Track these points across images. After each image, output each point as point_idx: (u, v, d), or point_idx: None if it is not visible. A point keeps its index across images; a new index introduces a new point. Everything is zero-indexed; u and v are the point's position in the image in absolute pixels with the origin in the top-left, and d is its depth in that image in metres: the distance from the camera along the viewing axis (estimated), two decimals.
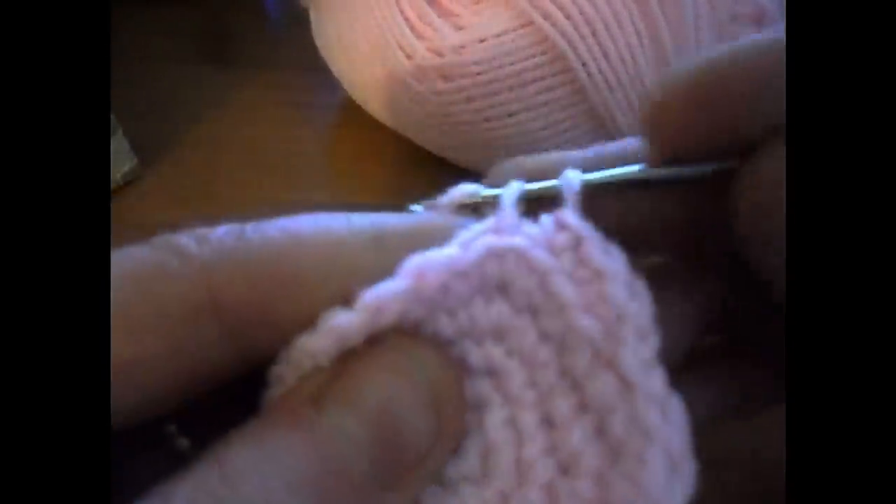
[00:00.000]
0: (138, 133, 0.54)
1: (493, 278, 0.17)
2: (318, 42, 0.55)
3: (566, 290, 0.16)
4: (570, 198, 0.17)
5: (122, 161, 0.53)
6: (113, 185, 0.53)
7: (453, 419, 0.17)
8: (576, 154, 0.20)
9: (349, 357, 0.17)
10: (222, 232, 0.18)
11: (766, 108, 0.18)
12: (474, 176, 0.54)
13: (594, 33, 0.43)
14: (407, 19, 0.47)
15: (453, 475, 0.17)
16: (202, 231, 0.18)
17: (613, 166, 0.18)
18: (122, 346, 0.17)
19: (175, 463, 0.16)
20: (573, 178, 0.17)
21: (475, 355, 0.17)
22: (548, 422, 0.16)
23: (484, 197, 0.18)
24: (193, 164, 0.56)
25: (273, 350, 0.18)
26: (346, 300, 0.17)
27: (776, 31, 0.20)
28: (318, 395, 0.16)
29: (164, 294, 0.17)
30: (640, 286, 0.17)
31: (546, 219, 0.17)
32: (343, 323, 0.16)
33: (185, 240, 0.18)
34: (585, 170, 0.18)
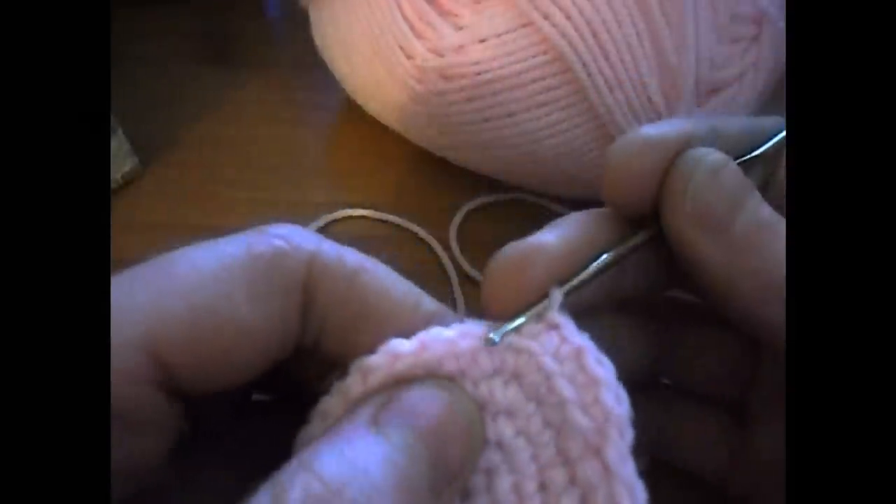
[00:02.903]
0: (138, 133, 0.54)
1: (511, 367, 0.22)
2: (318, 42, 0.55)
3: (568, 391, 0.21)
4: (556, 313, 0.22)
5: (122, 161, 0.53)
6: (113, 185, 0.53)
7: (479, 444, 0.21)
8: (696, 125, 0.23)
9: (398, 385, 0.20)
10: (319, 237, 0.23)
11: None
12: (474, 176, 0.54)
13: (594, 33, 0.43)
14: (407, 19, 0.47)
15: None
16: (301, 229, 0.23)
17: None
18: (246, 310, 0.20)
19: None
20: (556, 298, 0.22)
21: (490, 430, 0.21)
22: (544, 487, 0.21)
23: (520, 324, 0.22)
24: (193, 164, 0.56)
25: (315, 342, 0.22)
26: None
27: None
28: (375, 416, 0.19)
29: (286, 271, 0.21)
30: (623, 392, 0.21)
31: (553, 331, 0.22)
32: (398, 347, 0.21)
33: (291, 231, 0.22)
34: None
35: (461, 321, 0.22)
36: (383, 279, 0.22)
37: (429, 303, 0.23)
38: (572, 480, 0.20)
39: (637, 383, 0.23)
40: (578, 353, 0.21)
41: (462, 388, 0.21)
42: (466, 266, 0.51)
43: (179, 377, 0.20)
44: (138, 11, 0.66)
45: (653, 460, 0.26)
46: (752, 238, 0.21)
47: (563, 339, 0.21)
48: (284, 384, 0.25)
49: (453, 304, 0.49)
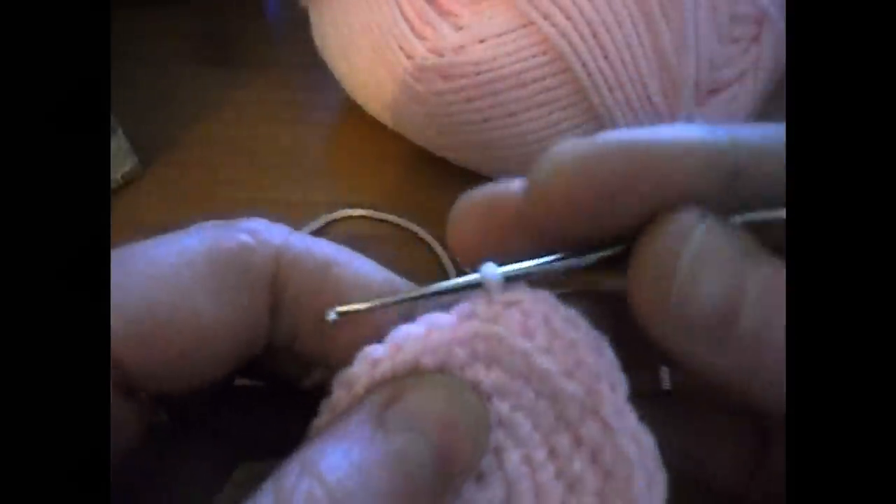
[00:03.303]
0: (138, 133, 0.54)
1: (484, 354, 0.21)
2: (318, 42, 0.55)
3: (547, 365, 0.20)
4: (494, 290, 0.21)
5: (122, 161, 0.53)
6: (113, 185, 0.53)
7: (483, 444, 0.20)
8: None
9: (398, 384, 0.20)
10: (288, 230, 0.22)
11: (646, 189, 0.18)
12: (474, 176, 0.54)
13: (594, 33, 0.43)
14: (407, 19, 0.47)
15: (482, 502, 0.21)
16: (269, 223, 0.22)
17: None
18: (209, 307, 0.20)
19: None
20: (492, 274, 0.21)
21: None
22: (553, 453, 0.20)
23: (459, 288, 0.21)
24: (193, 164, 0.56)
25: (290, 338, 0.22)
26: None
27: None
28: (379, 416, 0.19)
29: (252, 266, 0.21)
30: (604, 344, 0.21)
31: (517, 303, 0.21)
32: (373, 353, 0.20)
33: (258, 225, 0.22)
34: None
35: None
36: (357, 269, 0.22)
37: (406, 289, 0.22)
38: (578, 441, 0.20)
39: (652, 397, 0.23)
40: (546, 320, 0.21)
41: (468, 386, 0.21)
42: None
43: (136, 378, 0.19)
44: (138, 11, 0.66)
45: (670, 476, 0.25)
46: (758, 341, 0.17)
47: (526, 313, 0.21)
48: (267, 374, 0.25)
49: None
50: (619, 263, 0.20)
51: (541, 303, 0.21)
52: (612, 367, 0.20)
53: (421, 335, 0.21)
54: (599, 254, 0.20)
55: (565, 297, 0.21)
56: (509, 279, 0.21)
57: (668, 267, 0.17)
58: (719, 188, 0.18)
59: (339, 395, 0.21)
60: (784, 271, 0.17)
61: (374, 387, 0.20)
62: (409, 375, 0.20)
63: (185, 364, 0.20)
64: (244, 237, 0.21)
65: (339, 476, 0.17)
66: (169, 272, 0.20)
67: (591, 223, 0.19)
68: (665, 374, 0.27)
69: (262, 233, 0.21)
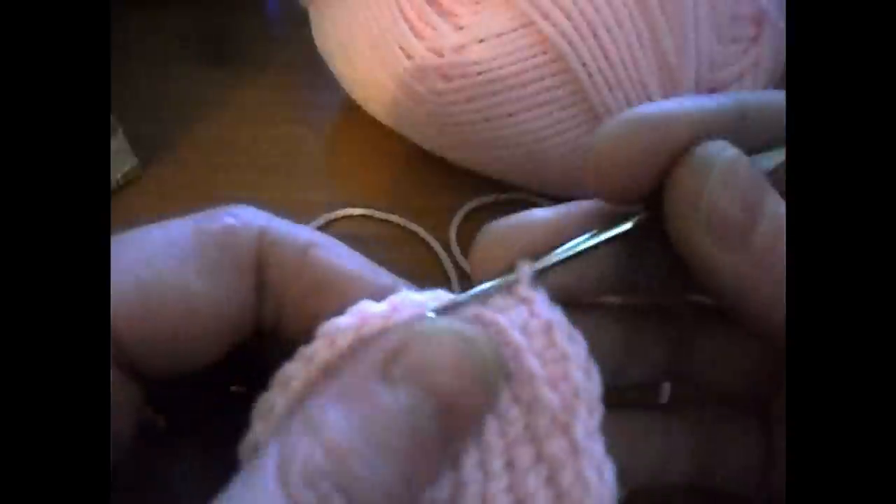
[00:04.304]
0: (138, 133, 0.54)
1: None
2: (318, 42, 0.55)
3: (536, 367, 0.20)
4: (525, 287, 0.21)
5: (122, 161, 0.53)
6: (113, 185, 0.53)
7: (493, 394, 0.20)
8: (541, 215, 0.23)
9: (406, 333, 0.19)
10: (269, 216, 0.23)
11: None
12: (474, 176, 0.54)
13: (594, 33, 0.43)
14: (407, 19, 0.47)
15: (428, 501, 0.20)
16: (252, 208, 0.23)
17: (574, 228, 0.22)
18: (198, 285, 0.20)
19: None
20: (526, 271, 0.21)
21: None
22: (510, 465, 0.20)
23: (485, 291, 0.22)
24: (193, 164, 0.56)
25: (275, 321, 0.22)
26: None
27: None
28: (385, 370, 0.18)
29: (236, 246, 0.22)
30: (594, 367, 0.21)
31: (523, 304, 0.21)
32: (367, 308, 0.21)
33: (241, 210, 0.23)
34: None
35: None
36: (337, 252, 0.23)
37: (385, 276, 0.23)
38: (539, 457, 0.20)
39: (662, 407, 0.23)
40: (548, 328, 0.21)
41: (479, 332, 0.20)
42: (466, 266, 0.51)
43: (135, 356, 0.20)
44: (138, 11, 0.66)
45: (684, 484, 0.25)
46: (772, 247, 0.19)
47: (533, 313, 0.21)
48: (263, 375, 0.25)
49: None
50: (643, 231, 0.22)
51: (549, 310, 0.21)
52: (595, 392, 0.20)
53: (419, 302, 0.21)
54: (628, 225, 0.22)
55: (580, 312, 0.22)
56: (542, 271, 0.21)
57: (702, 175, 0.19)
58: (730, 128, 0.21)
59: (320, 345, 0.20)
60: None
61: (372, 338, 0.20)
62: (415, 321, 0.20)
63: (180, 340, 0.21)
64: (227, 219, 0.22)
65: (343, 436, 0.17)
66: (157, 253, 0.21)
67: (638, 178, 0.21)
68: (665, 388, 0.27)
69: (243, 215, 0.23)
